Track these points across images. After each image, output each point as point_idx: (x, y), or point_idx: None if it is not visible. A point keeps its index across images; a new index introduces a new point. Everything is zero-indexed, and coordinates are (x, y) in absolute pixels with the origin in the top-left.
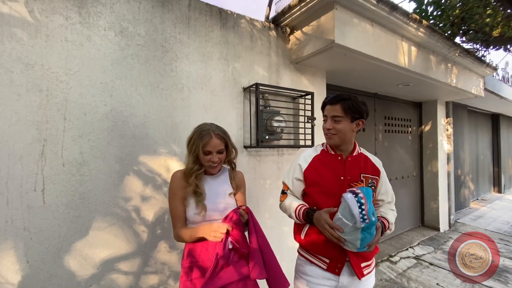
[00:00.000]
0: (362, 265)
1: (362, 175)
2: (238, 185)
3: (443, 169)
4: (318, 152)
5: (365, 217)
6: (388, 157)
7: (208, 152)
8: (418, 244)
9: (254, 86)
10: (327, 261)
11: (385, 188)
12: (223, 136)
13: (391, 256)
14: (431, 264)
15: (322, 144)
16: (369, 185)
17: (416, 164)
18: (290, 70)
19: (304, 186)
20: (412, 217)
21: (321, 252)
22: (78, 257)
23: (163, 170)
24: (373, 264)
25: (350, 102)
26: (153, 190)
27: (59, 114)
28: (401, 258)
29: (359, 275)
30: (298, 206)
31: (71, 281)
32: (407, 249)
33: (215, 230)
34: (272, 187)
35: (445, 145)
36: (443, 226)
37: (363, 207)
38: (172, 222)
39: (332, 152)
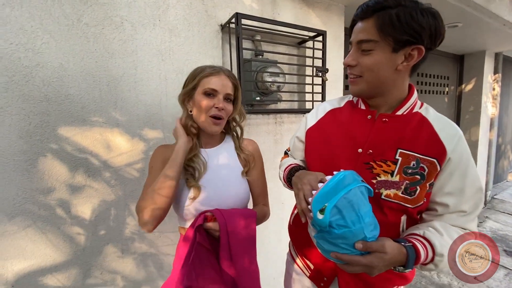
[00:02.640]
0: None
1: (399, 150)
2: (249, 158)
3: (484, 137)
4: (341, 105)
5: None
6: None
7: (211, 91)
8: None
9: (234, 21)
10: (312, 267)
11: (459, 184)
12: (235, 80)
13: None
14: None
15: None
16: (409, 171)
17: None
18: (293, 0)
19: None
20: None
21: (305, 252)
22: None
23: (100, 148)
24: None
25: (397, 11)
26: (86, 176)
27: None
28: None
29: None
30: (291, 164)
31: None
32: None
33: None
34: (268, 167)
35: (489, 108)
36: None
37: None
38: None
39: (363, 107)
